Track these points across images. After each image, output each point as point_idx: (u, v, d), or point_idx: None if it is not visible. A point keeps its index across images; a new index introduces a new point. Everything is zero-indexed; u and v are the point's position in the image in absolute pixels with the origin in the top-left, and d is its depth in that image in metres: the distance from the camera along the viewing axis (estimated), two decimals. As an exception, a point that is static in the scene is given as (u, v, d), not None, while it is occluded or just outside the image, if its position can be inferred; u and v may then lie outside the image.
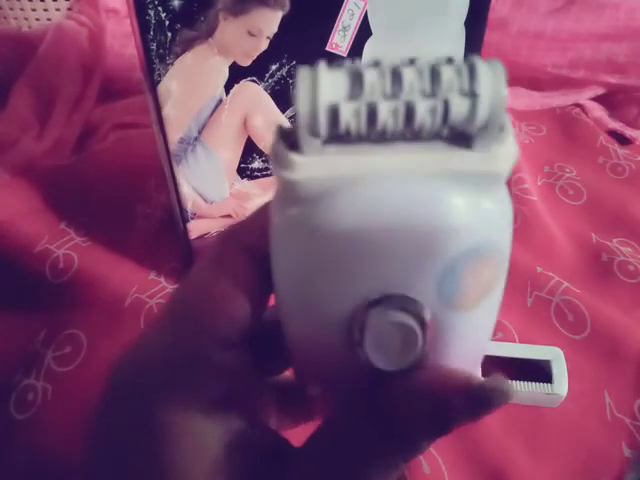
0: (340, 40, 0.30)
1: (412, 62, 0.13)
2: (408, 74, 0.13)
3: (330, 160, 0.13)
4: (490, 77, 0.12)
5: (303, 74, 0.13)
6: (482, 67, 0.12)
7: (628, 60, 0.50)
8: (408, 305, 0.14)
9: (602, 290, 0.38)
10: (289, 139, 0.13)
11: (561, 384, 0.31)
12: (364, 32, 0.30)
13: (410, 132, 0.13)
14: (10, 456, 0.30)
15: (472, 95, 0.12)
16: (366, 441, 0.15)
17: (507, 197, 0.14)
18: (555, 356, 0.32)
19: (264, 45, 0.29)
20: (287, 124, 0.14)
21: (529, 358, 0.32)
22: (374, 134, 0.13)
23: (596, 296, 0.37)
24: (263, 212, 0.16)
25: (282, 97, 0.31)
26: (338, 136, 0.13)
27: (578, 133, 0.49)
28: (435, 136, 0.13)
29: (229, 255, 0.17)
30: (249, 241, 0.17)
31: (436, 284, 0.14)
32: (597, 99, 0.51)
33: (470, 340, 0.16)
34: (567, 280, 0.38)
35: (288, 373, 0.21)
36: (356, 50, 0.30)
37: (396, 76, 0.12)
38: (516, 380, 0.31)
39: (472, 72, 0.12)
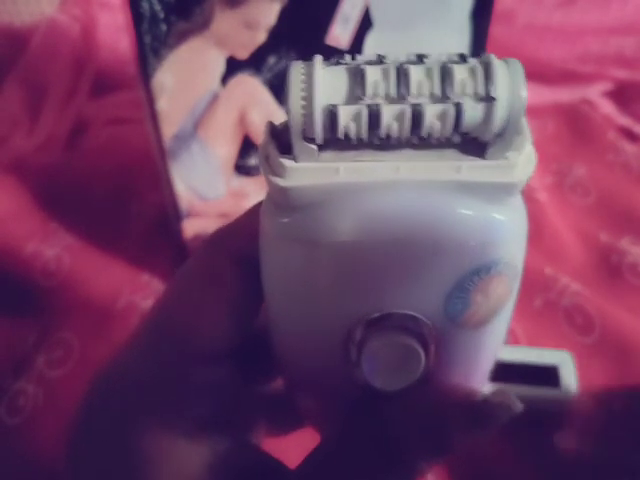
0: (341, 32, 0.29)
1: (420, 59, 0.11)
2: (416, 74, 0.11)
3: (326, 167, 0.12)
4: (508, 78, 0.11)
5: (296, 70, 0.11)
6: (499, 67, 0.11)
7: (636, 54, 0.49)
8: (410, 324, 0.13)
9: (611, 291, 0.37)
10: (282, 139, 0.12)
11: (569, 390, 0.30)
12: (367, 24, 0.29)
13: (417, 138, 0.12)
14: (1, 461, 0.30)
15: (488, 99, 0.11)
16: (362, 462, 0.14)
17: (522, 208, 0.13)
18: (564, 360, 0.31)
19: (262, 37, 0.28)
20: (281, 120, 0.12)
21: (536, 362, 0.31)
22: (376, 140, 0.12)
23: (605, 298, 0.37)
24: (253, 215, 0.14)
25: (280, 91, 0.31)
26: (335, 140, 0.12)
27: (586, 129, 0.48)
28: (445, 142, 0.12)
29: (216, 262, 0.15)
30: (238, 247, 0.15)
31: (442, 303, 0.13)
32: (606, 94, 0.50)
33: (476, 358, 0.15)
34: (575, 281, 0.37)
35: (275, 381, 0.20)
36: (358, 43, 0.29)
37: (402, 76, 0.11)
38: (522, 385, 0.30)
39: (488, 72, 0.11)
